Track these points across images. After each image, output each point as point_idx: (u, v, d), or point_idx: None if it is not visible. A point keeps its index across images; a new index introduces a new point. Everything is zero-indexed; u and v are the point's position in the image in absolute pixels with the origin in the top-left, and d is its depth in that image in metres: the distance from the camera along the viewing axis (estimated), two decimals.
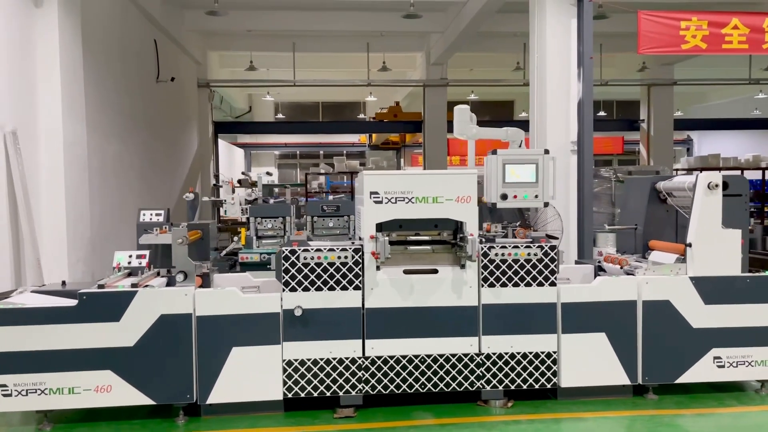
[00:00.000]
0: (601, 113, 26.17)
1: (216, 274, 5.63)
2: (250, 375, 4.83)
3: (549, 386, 5.08)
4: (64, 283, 5.44)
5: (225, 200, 7.84)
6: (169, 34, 13.38)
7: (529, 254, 5.06)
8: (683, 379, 5.14)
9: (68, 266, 7.62)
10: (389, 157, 21.91)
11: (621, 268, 5.47)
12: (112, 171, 9.87)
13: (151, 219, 7.21)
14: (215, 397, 4.81)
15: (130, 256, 5.46)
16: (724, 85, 21.56)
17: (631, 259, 5.66)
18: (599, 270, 5.80)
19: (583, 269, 5.88)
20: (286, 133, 25.73)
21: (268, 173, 8.97)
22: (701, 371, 5.15)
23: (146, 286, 4.90)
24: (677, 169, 18.99)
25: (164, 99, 13.28)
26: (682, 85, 18.69)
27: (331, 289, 4.90)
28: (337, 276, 4.91)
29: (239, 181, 12.40)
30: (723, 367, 5.16)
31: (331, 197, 17.49)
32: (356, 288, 4.92)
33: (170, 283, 5.20)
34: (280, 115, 25.92)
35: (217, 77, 18.92)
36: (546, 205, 6.08)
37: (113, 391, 4.67)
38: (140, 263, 5.39)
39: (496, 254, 5.04)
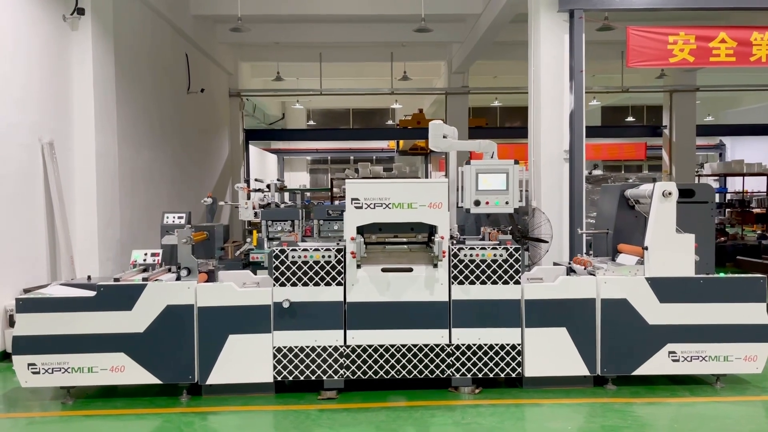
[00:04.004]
0: (630, 119, 26.27)
1: (221, 271, 6.31)
2: (245, 359, 5.47)
3: (514, 375, 5.59)
4: (89, 277, 6.18)
5: (239, 204, 8.54)
6: (200, 47, 14.24)
7: (495, 255, 5.58)
8: (639, 371, 5.57)
9: (99, 264, 8.43)
10: (412, 163, 22.47)
11: (585, 269, 5.95)
12: (142, 178, 10.70)
13: (173, 221, 7.92)
14: (214, 378, 5.46)
15: (146, 254, 6.18)
16: (751, 91, 21.45)
17: (597, 261, 6.13)
18: (570, 271, 6.27)
19: (556, 270, 6.35)
20: (313, 140, 26.57)
21: (279, 179, 9.63)
22: (657, 364, 5.58)
23: (156, 280, 5.60)
24: (700, 175, 19.06)
25: (195, 109, 14.14)
26: (704, 91, 18.76)
27: (316, 284, 5.51)
28: (322, 273, 5.52)
29: (268, 186, 13.16)
30: (678, 361, 5.58)
31: None
32: (338, 284, 5.52)
33: (179, 278, 5.88)
34: (311, 122, 26.73)
35: (248, 86, 19.84)
36: (517, 210, 6.60)
37: (126, 371, 5.37)
38: (154, 260, 6.12)
39: (465, 255, 5.57)
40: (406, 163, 21.30)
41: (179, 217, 7.99)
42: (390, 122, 26.56)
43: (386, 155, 27.42)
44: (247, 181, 18.65)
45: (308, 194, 17.96)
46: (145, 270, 5.99)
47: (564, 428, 4.86)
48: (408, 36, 15.58)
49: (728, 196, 21.14)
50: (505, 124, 26.56)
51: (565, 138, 8.82)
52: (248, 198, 8.77)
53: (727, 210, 19.59)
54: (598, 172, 24.17)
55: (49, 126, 7.82)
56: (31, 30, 7.56)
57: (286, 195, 15.05)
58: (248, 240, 8.49)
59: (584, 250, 8.39)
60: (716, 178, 22.56)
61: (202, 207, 13.84)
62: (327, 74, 18.50)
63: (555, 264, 6.85)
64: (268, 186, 12.89)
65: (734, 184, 24.23)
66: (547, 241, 8.33)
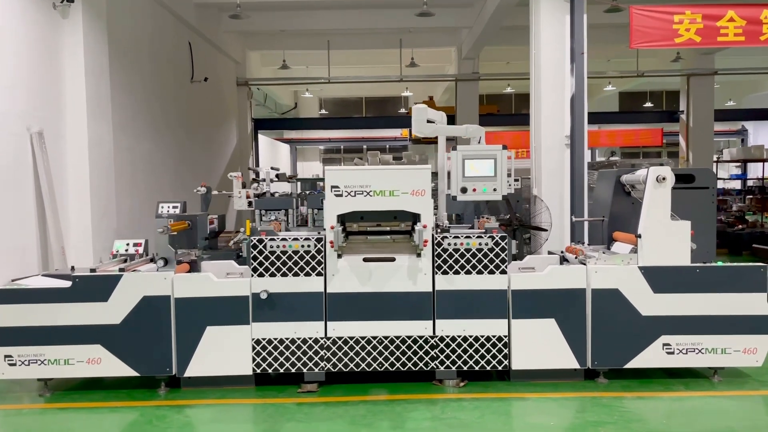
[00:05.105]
0: (648, 104, 25.70)
1: (205, 261, 6.17)
2: (223, 352, 5.34)
3: (500, 368, 5.40)
4: (72, 268, 6.09)
5: (232, 194, 8.40)
6: (204, 35, 14.11)
7: (480, 244, 5.37)
8: (632, 364, 5.34)
9: (93, 255, 8.36)
10: (423, 151, 22.23)
11: (576, 257, 5.72)
12: (142, 168, 10.62)
13: (168, 211, 7.82)
14: (192, 370, 5.35)
15: (128, 244, 6.08)
16: None
17: (589, 249, 5.89)
18: (564, 260, 6.04)
19: (549, 259, 6.13)
20: (321, 128, 26.38)
21: (273, 168, 9.49)
22: (650, 357, 5.34)
23: (134, 270, 5.49)
24: (719, 161, 18.56)
25: (200, 98, 14.03)
26: (723, 74, 18.23)
27: (296, 275, 5.36)
28: (301, 263, 5.36)
29: (277, 175, 13.05)
30: (672, 353, 5.34)
31: None
32: (318, 274, 5.36)
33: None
34: (323, 111, 26.57)
35: (258, 75, 19.70)
36: (517, 198, 6.33)
37: (102, 363, 5.27)
38: (135, 251, 6.01)
39: (449, 244, 5.37)
40: (418, 152, 21.04)
41: (174, 207, 7.88)
42: (402, 110, 26.29)
43: (399, 144, 27.15)
44: (256, 172, 18.56)
45: (320, 183, 17.81)
46: (125, 260, 5.89)
47: (546, 423, 4.66)
48: (416, 21, 15.33)
49: (749, 183, 20.55)
50: (521, 111, 26.09)
51: (567, 123, 8.56)
52: (243, 187, 8.61)
53: (747, 197, 19.03)
54: (615, 158, 23.65)
55: (38, 115, 7.73)
56: (19, 18, 7.47)
57: (298, 185, 14.95)
58: (241, 230, 8.35)
59: (585, 239, 8.16)
60: (737, 164, 21.94)
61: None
62: (337, 62, 18.29)
63: (549, 253, 6.63)
64: (277, 175, 12.79)
65: (756, 170, 23.57)
66: (546, 230, 8.10)
